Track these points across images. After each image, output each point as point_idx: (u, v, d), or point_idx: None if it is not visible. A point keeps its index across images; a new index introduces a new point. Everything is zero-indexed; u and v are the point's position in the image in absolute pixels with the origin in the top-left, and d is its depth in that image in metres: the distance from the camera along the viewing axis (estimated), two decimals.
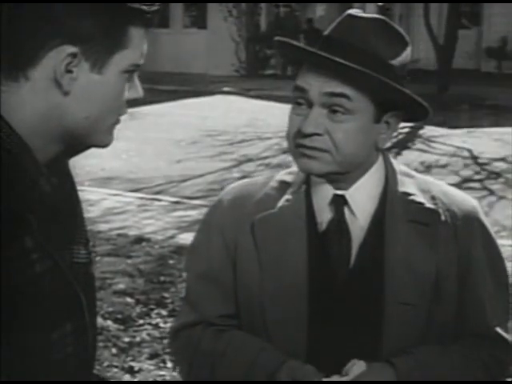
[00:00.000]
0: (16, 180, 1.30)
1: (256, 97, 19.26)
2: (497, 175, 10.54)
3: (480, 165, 11.27)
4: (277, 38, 1.87)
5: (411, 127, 13.52)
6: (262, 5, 25.58)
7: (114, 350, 4.78)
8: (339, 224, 1.88)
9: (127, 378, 4.50)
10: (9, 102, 1.32)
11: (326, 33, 1.88)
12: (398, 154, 11.72)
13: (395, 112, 1.86)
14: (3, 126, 1.31)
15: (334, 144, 1.80)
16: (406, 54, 1.86)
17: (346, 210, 1.89)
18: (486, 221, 1.98)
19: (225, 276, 1.93)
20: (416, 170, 2.05)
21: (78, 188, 1.51)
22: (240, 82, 22.21)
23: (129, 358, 4.71)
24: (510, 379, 3.64)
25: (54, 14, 1.30)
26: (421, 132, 13.96)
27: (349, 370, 1.79)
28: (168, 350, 4.52)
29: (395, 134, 1.94)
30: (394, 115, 1.87)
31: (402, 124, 1.93)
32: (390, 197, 1.90)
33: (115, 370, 4.56)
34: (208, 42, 25.68)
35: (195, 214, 7.91)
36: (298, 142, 1.82)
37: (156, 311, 5.38)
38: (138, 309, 5.42)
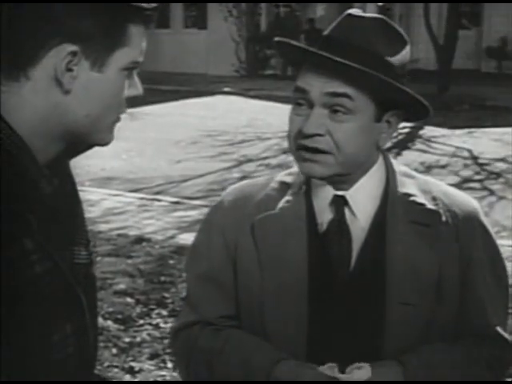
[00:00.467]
0: (16, 181, 1.30)
1: (256, 97, 19.25)
2: (497, 175, 10.53)
3: (480, 165, 11.26)
4: (277, 38, 1.86)
5: (411, 127, 13.51)
6: (262, 5, 25.57)
7: (114, 351, 4.78)
8: (340, 225, 1.88)
9: (128, 378, 4.50)
10: (9, 102, 1.33)
11: (325, 32, 1.88)
12: (398, 154, 11.72)
13: (396, 111, 1.86)
14: (3, 126, 1.31)
15: (336, 144, 1.80)
16: (406, 53, 1.86)
17: (346, 211, 1.89)
18: (486, 221, 1.98)
19: (225, 276, 1.93)
20: (416, 170, 2.05)
21: (79, 188, 1.51)
22: (240, 82, 22.20)
23: (129, 358, 4.71)
24: (510, 379, 3.64)
25: (54, 13, 1.31)
26: (421, 132, 13.95)
27: (352, 371, 1.78)
28: (168, 351, 4.53)
29: (395, 134, 1.94)
30: (395, 114, 1.87)
31: (402, 124, 1.93)
32: (391, 198, 1.90)
33: (116, 370, 4.56)
34: (208, 42, 25.68)
35: (195, 215, 7.91)
36: (300, 143, 1.82)
37: (156, 311, 5.38)
38: (138, 309, 5.41)
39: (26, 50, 1.31)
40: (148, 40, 1.43)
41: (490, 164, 11.32)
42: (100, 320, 5.00)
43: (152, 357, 4.69)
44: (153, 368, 4.58)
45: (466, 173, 10.72)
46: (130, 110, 1.45)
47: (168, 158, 11.51)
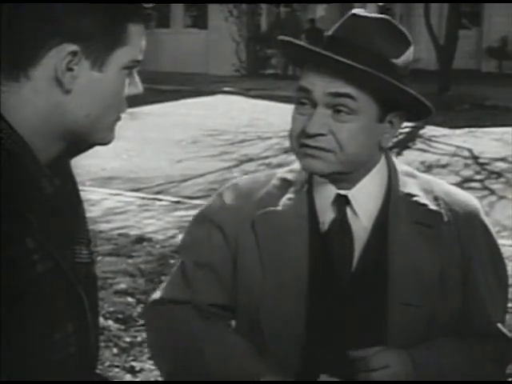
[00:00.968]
0: (17, 180, 1.30)
1: (256, 96, 19.25)
2: (497, 175, 10.53)
3: (480, 165, 11.26)
4: (280, 37, 1.86)
5: (412, 127, 13.51)
6: (263, 5, 25.56)
7: (115, 350, 4.79)
8: (341, 224, 1.88)
9: (128, 377, 4.50)
10: (9, 102, 1.33)
11: (329, 32, 1.87)
12: (399, 153, 11.71)
13: (399, 111, 1.86)
14: (4, 126, 1.31)
15: (338, 144, 1.80)
16: (410, 54, 1.86)
17: (348, 210, 1.88)
18: (487, 220, 1.98)
19: (224, 271, 1.92)
20: (417, 169, 2.05)
21: (79, 188, 1.51)
22: (240, 82, 22.20)
23: (130, 358, 4.71)
24: (510, 379, 3.64)
25: (54, 13, 1.31)
26: (421, 132, 13.95)
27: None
28: None
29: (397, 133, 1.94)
30: (398, 115, 1.87)
31: (403, 124, 1.93)
32: (394, 198, 1.89)
33: (116, 369, 4.56)
34: (209, 42, 25.68)
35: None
36: (302, 142, 1.82)
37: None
38: (139, 308, 5.41)
39: (26, 50, 1.32)
40: (148, 40, 1.43)
41: (490, 163, 11.33)
42: (101, 320, 5.00)
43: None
44: (153, 368, 4.57)
45: (467, 172, 10.72)
46: (130, 110, 1.45)
47: (169, 158, 11.51)
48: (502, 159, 11.54)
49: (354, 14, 1.86)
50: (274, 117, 14.93)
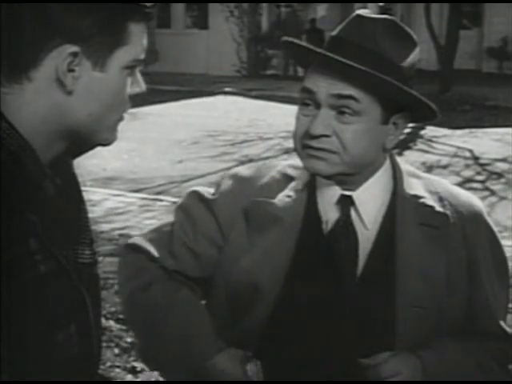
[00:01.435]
0: (19, 181, 1.30)
1: (257, 97, 19.24)
2: (498, 176, 10.53)
3: (481, 165, 11.26)
4: (284, 38, 1.86)
5: (413, 127, 13.50)
6: (264, 5, 25.55)
7: (116, 350, 4.78)
8: (345, 224, 1.88)
9: (130, 378, 4.50)
10: (11, 104, 1.33)
11: (334, 33, 1.87)
12: (400, 154, 11.71)
13: (403, 113, 1.86)
14: (6, 126, 1.31)
15: (342, 145, 1.80)
16: (415, 55, 1.85)
17: (352, 211, 1.88)
18: (491, 221, 1.98)
19: (207, 254, 1.93)
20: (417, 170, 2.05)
21: (81, 188, 1.51)
22: (241, 83, 22.19)
23: (131, 358, 4.70)
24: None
25: (53, 14, 1.30)
26: (422, 132, 13.94)
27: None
28: None
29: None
30: (402, 116, 1.86)
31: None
32: (400, 200, 1.89)
33: (118, 370, 4.56)
34: (209, 43, 25.67)
35: None
36: (306, 143, 1.82)
37: None
38: None
39: (27, 52, 1.31)
40: (149, 40, 1.43)
41: (491, 164, 11.32)
42: (102, 320, 4.99)
43: None
44: None
45: (468, 173, 10.72)
46: (131, 110, 1.45)
47: (169, 158, 11.51)
48: (503, 160, 11.54)
49: (359, 15, 1.86)
50: (275, 117, 14.93)
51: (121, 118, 1.41)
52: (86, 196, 1.51)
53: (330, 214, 1.89)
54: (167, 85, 20.61)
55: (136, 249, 1.99)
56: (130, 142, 11.65)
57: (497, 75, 22.65)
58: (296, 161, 1.93)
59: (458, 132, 14.12)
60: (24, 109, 1.33)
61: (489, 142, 13.20)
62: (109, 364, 4.59)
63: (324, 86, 1.79)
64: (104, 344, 4.67)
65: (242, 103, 18.43)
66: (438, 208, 1.89)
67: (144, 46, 1.41)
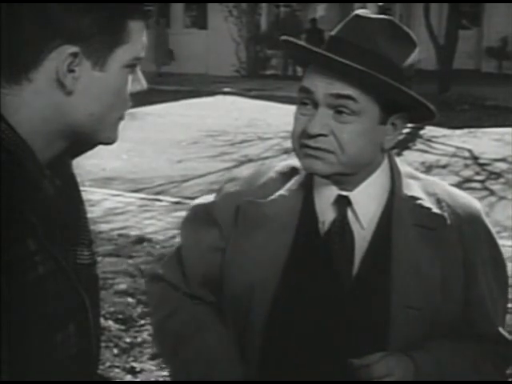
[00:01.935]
0: (18, 181, 1.30)
1: (256, 97, 19.25)
2: (497, 175, 10.53)
3: (480, 165, 11.26)
4: (283, 37, 1.85)
5: (412, 127, 13.50)
6: (263, 5, 25.55)
7: (115, 351, 4.79)
8: (342, 225, 1.87)
9: (129, 378, 4.50)
10: (11, 104, 1.33)
11: (332, 33, 1.86)
12: (399, 154, 11.71)
13: (401, 113, 1.85)
14: (5, 127, 1.32)
15: (340, 145, 1.80)
16: (414, 55, 1.85)
17: (348, 212, 1.88)
18: (489, 222, 1.98)
19: (214, 266, 1.94)
20: (416, 170, 2.04)
21: (80, 188, 1.51)
22: (240, 83, 22.19)
23: (130, 359, 4.71)
24: (510, 379, 3.64)
25: (53, 14, 1.30)
26: (421, 132, 13.95)
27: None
28: None
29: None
30: (400, 117, 1.86)
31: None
32: (397, 200, 1.89)
33: (117, 370, 4.56)
34: (208, 43, 25.67)
35: None
36: (303, 143, 1.82)
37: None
38: (139, 309, 5.41)
39: (27, 53, 1.31)
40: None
41: (490, 164, 11.33)
42: (101, 320, 4.99)
43: (153, 357, 4.68)
44: (154, 368, 4.58)
45: (467, 173, 10.72)
46: (130, 110, 1.45)
47: (169, 158, 11.51)
48: (502, 160, 11.54)
49: (358, 15, 1.85)
50: (274, 117, 14.93)
51: (122, 117, 1.42)
52: (84, 196, 1.51)
53: (326, 214, 1.89)
54: (166, 85, 20.61)
55: (157, 278, 2.04)
56: (129, 142, 11.65)
57: (496, 75, 22.66)
58: (294, 161, 1.93)
59: (458, 132, 14.12)
60: (24, 109, 1.33)
61: (488, 141, 13.20)
62: (108, 364, 4.59)
63: (322, 86, 1.79)
64: (103, 344, 4.67)
65: (241, 103, 18.44)
66: (435, 209, 1.89)
67: (144, 43, 1.40)
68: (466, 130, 14.32)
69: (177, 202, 8.74)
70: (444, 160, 11.64)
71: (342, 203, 1.88)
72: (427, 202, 1.90)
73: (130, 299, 5.61)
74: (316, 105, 1.80)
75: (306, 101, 1.82)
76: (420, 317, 1.84)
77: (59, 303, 1.33)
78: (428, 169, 10.72)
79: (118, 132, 1.42)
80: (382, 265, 1.86)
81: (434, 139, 13.43)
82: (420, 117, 1.90)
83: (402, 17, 23.90)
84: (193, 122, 15.19)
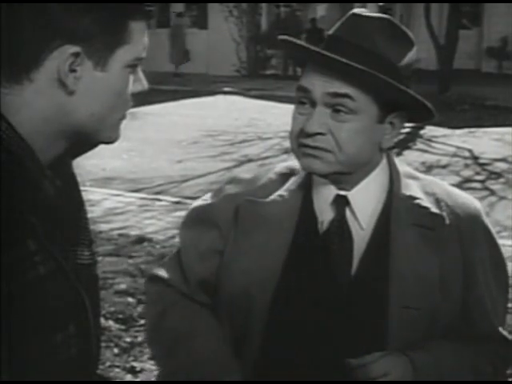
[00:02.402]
0: (18, 182, 1.30)
1: (257, 97, 19.25)
2: (497, 175, 10.53)
3: (481, 165, 11.26)
4: (282, 36, 1.85)
5: (412, 127, 13.51)
6: (263, 5, 25.56)
7: (115, 350, 4.79)
8: (340, 224, 1.87)
9: (129, 378, 4.50)
10: (11, 104, 1.33)
11: (330, 32, 1.86)
12: (399, 154, 11.71)
13: (399, 112, 1.85)
14: (6, 127, 1.31)
15: (337, 144, 1.79)
16: (412, 54, 1.85)
17: (347, 211, 1.88)
18: (488, 222, 1.98)
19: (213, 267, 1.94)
20: (417, 170, 2.04)
21: (81, 188, 1.51)
22: (241, 82, 22.20)
23: (130, 358, 4.71)
24: (510, 379, 3.64)
25: (54, 14, 1.30)
26: (421, 132, 13.95)
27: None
28: None
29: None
30: (399, 116, 1.85)
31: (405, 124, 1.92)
32: (395, 200, 1.89)
33: (117, 370, 4.56)
34: (209, 42, 25.67)
35: None
36: (301, 142, 1.82)
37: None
38: (139, 309, 5.41)
39: (28, 53, 1.31)
40: (149, 40, 1.43)
41: (490, 164, 11.32)
42: (101, 320, 4.99)
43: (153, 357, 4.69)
44: (154, 368, 4.57)
45: (467, 173, 10.72)
46: (130, 110, 1.45)
47: (169, 158, 11.51)
48: (503, 159, 11.54)
49: (355, 14, 1.85)
50: (274, 117, 14.93)
51: (123, 117, 1.42)
52: (85, 196, 1.51)
53: (325, 213, 1.89)
54: (167, 85, 20.60)
55: (154, 279, 2.04)
56: (130, 142, 11.65)
57: (496, 75, 22.66)
58: (294, 162, 1.93)
59: (458, 132, 14.12)
60: (24, 109, 1.33)
61: (488, 141, 13.20)
62: (108, 364, 4.59)
63: (319, 85, 1.79)
64: (103, 344, 4.67)
65: (241, 103, 18.44)
66: (434, 209, 1.89)
67: (145, 44, 1.41)
68: (466, 130, 14.31)
69: (177, 202, 8.74)
70: (444, 160, 11.64)
71: (341, 203, 1.88)
72: (425, 202, 1.89)
73: (130, 299, 5.61)
74: (314, 104, 1.80)
75: (303, 100, 1.82)
76: (419, 317, 1.84)
77: (59, 303, 1.33)
78: (428, 169, 10.72)
79: (119, 131, 1.43)
80: (380, 264, 1.86)
81: (434, 139, 13.43)
82: (419, 116, 1.90)
83: (402, 17, 23.90)
84: (193, 121, 15.19)
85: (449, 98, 17.44)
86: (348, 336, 1.85)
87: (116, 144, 1.47)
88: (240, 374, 1.85)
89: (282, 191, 1.92)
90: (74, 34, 1.31)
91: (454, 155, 12.04)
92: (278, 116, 14.72)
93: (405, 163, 2.01)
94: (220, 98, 19.40)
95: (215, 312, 1.95)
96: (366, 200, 1.88)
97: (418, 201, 1.89)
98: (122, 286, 5.85)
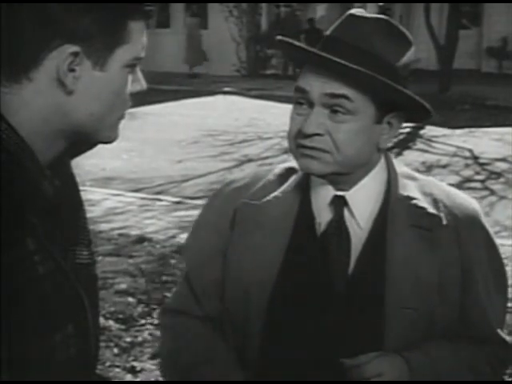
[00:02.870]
0: (18, 181, 1.30)
1: (257, 97, 19.24)
2: (497, 175, 10.53)
3: (481, 165, 11.26)
4: (279, 37, 1.86)
5: (412, 127, 13.51)
6: (263, 5, 25.55)
7: (115, 350, 4.79)
8: (338, 225, 1.87)
9: (129, 377, 4.50)
10: (11, 104, 1.33)
11: (327, 33, 1.86)
12: (399, 154, 11.71)
13: (397, 113, 1.85)
14: (5, 127, 1.31)
15: (335, 144, 1.80)
16: (409, 54, 1.85)
17: (345, 212, 1.88)
18: (487, 223, 1.98)
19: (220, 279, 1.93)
20: (417, 170, 2.04)
21: (80, 188, 1.51)
22: (241, 82, 22.19)
23: (131, 358, 4.71)
24: (510, 379, 3.64)
25: (54, 14, 1.30)
26: (422, 132, 13.95)
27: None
28: None
29: (396, 134, 1.93)
30: (396, 116, 1.85)
31: (404, 124, 1.92)
32: (393, 200, 1.88)
33: (117, 369, 4.57)
34: (209, 42, 25.65)
35: (196, 214, 7.88)
36: (299, 142, 1.82)
37: (158, 311, 5.38)
38: (139, 308, 5.42)
39: (27, 52, 1.31)
40: (149, 40, 1.43)
41: (490, 164, 11.32)
42: (101, 320, 4.99)
43: (153, 356, 4.69)
44: (154, 368, 4.58)
45: (467, 172, 10.72)
46: (130, 110, 1.45)
47: (169, 158, 11.51)
48: (503, 159, 11.54)
49: (352, 14, 1.85)
50: (274, 117, 14.92)
51: (122, 116, 1.42)
52: (85, 196, 1.51)
53: (323, 214, 1.89)
54: (167, 84, 20.60)
55: (168, 310, 2.03)
56: (130, 142, 11.65)
57: (496, 75, 22.65)
58: (292, 163, 1.93)
59: (458, 131, 14.12)
60: (24, 109, 1.33)
61: (488, 141, 13.20)
62: (108, 364, 4.59)
63: (317, 85, 1.79)
64: (103, 344, 4.68)
65: (241, 103, 18.44)
66: (431, 210, 1.88)
67: (144, 44, 1.41)
68: (466, 130, 14.31)
69: (177, 202, 8.75)
70: (444, 160, 11.64)
71: (339, 203, 1.88)
72: (423, 202, 1.89)
73: (130, 299, 5.61)
74: (311, 104, 1.80)
75: (301, 100, 1.82)
76: (417, 317, 1.84)
77: (58, 303, 1.33)
78: (428, 168, 10.72)
79: (118, 131, 1.43)
80: (378, 265, 1.85)
81: (434, 139, 13.43)
82: (417, 116, 1.90)
83: (402, 17, 23.89)
84: (193, 121, 15.19)
85: (449, 97, 17.44)
86: (346, 336, 1.85)
87: (116, 144, 1.47)
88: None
89: (279, 192, 1.92)
90: (74, 33, 1.31)
91: (454, 155, 12.03)
92: (277, 116, 14.72)
93: (404, 163, 2.01)
94: (220, 97, 19.40)
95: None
96: (364, 200, 1.88)
97: (415, 201, 1.89)
98: (122, 286, 5.86)
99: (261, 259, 1.87)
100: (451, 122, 14.51)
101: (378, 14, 1.94)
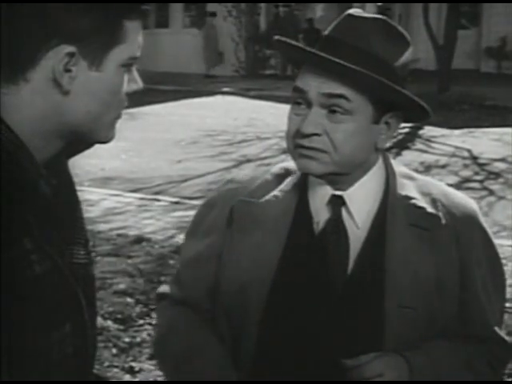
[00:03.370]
0: (14, 181, 1.30)
1: (255, 97, 19.25)
2: (496, 175, 10.54)
3: (480, 165, 11.26)
4: (276, 37, 1.86)
5: (411, 127, 13.52)
6: (262, 5, 25.57)
7: (114, 350, 4.79)
8: (336, 224, 1.87)
9: (127, 378, 4.50)
10: (8, 104, 1.33)
11: (325, 33, 1.87)
12: (398, 154, 11.72)
13: (395, 112, 1.85)
14: (2, 127, 1.32)
15: (333, 144, 1.80)
16: (407, 54, 1.85)
17: (343, 211, 1.88)
18: (485, 223, 1.98)
19: (208, 263, 1.94)
20: (416, 170, 2.05)
21: (78, 188, 1.51)
22: (239, 82, 22.21)
23: (129, 358, 4.71)
24: (510, 379, 3.65)
25: (50, 15, 1.30)
26: (420, 132, 13.96)
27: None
28: None
29: (395, 134, 1.93)
30: (394, 116, 1.86)
31: (402, 124, 1.92)
32: (391, 200, 1.89)
33: (115, 370, 4.56)
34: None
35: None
36: (297, 142, 1.82)
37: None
38: (138, 309, 5.42)
39: (24, 53, 1.32)
40: (147, 40, 1.43)
41: (489, 164, 11.33)
42: (100, 320, 5.00)
43: (152, 357, 4.68)
44: (153, 368, 4.58)
45: (466, 173, 10.73)
46: (129, 110, 1.45)
47: (168, 158, 11.52)
48: (501, 159, 11.55)
49: (350, 15, 1.85)
50: (273, 117, 14.93)
51: (118, 116, 1.42)
52: (83, 196, 1.51)
53: (321, 214, 1.89)
54: (166, 84, 20.61)
55: (162, 296, 2.05)
56: (129, 142, 11.66)
57: (495, 75, 22.67)
58: (290, 163, 1.93)
59: (457, 132, 14.13)
60: (21, 109, 1.33)
61: (487, 141, 13.21)
62: (106, 364, 4.59)
63: (315, 86, 1.79)
64: (102, 344, 4.68)
65: (240, 103, 18.45)
66: (430, 209, 1.89)
67: (140, 43, 1.41)
68: (465, 130, 14.32)
69: (176, 202, 8.75)
70: (443, 160, 11.64)
71: (337, 203, 1.88)
72: (421, 202, 1.89)
73: (128, 299, 5.61)
74: (309, 104, 1.80)
75: (299, 100, 1.82)
76: (416, 316, 1.84)
77: (55, 302, 1.33)
78: (427, 169, 10.73)
79: (114, 131, 1.43)
80: (376, 264, 1.86)
81: (433, 139, 13.44)
82: (415, 116, 1.90)
83: (400, 17, 23.93)
84: (192, 121, 15.20)
85: (448, 98, 17.45)
86: (344, 335, 1.85)
87: (115, 144, 1.47)
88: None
89: (276, 191, 1.93)
90: (70, 33, 1.32)
91: (453, 155, 12.04)
92: (276, 116, 14.72)
93: (403, 163, 2.01)
94: (219, 98, 19.41)
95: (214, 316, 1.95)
96: (362, 200, 1.88)
97: (413, 201, 1.89)
98: (121, 286, 5.85)
99: (259, 257, 1.87)
100: (450, 122, 14.52)
101: (377, 14, 1.94)
